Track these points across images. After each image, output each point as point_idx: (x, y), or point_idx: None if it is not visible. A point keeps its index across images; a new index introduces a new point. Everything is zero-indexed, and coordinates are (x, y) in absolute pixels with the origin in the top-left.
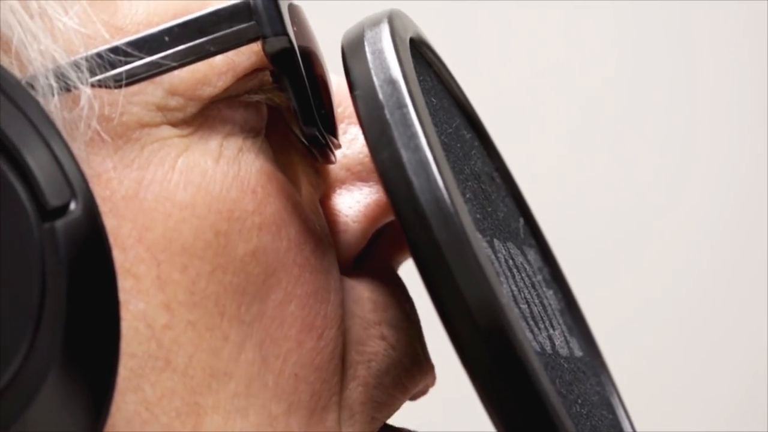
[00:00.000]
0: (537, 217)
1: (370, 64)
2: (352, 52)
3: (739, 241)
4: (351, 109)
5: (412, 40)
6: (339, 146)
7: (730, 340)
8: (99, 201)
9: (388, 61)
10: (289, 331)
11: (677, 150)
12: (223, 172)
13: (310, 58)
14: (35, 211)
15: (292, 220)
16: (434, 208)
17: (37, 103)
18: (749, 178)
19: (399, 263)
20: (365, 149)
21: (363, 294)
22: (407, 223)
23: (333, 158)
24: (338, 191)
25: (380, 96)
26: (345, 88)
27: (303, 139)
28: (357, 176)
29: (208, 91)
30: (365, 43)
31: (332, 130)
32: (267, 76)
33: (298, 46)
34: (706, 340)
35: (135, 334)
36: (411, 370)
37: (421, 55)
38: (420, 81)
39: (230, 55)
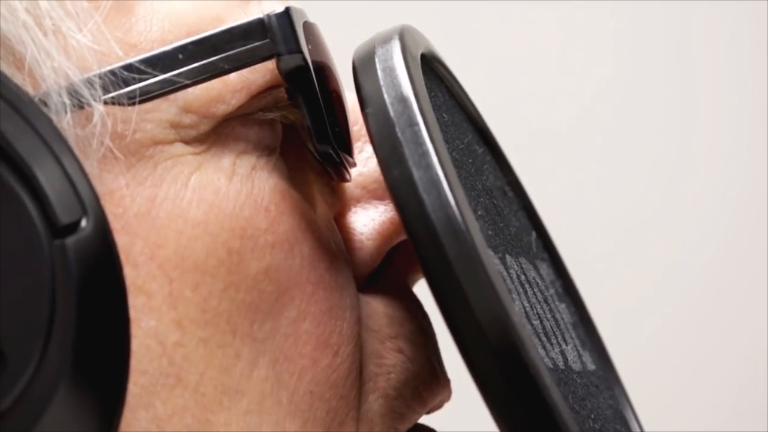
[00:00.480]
0: (548, 229)
1: (381, 82)
2: (363, 69)
3: (749, 253)
4: None
5: (423, 56)
6: (354, 164)
7: (730, 342)
8: (111, 218)
9: (399, 79)
10: (304, 349)
11: (688, 166)
12: (237, 189)
13: (325, 75)
14: (46, 228)
15: (305, 238)
16: (445, 226)
17: (49, 120)
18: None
19: (414, 281)
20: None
21: (378, 309)
22: (419, 240)
23: (348, 176)
24: (354, 209)
25: (391, 114)
26: None
27: (317, 157)
28: (372, 194)
29: (222, 109)
30: (376, 60)
31: (347, 148)
32: (282, 93)
33: (313, 64)
34: (706, 343)
35: (146, 351)
36: (429, 383)
37: (432, 71)
38: (431, 97)
39: (244, 72)
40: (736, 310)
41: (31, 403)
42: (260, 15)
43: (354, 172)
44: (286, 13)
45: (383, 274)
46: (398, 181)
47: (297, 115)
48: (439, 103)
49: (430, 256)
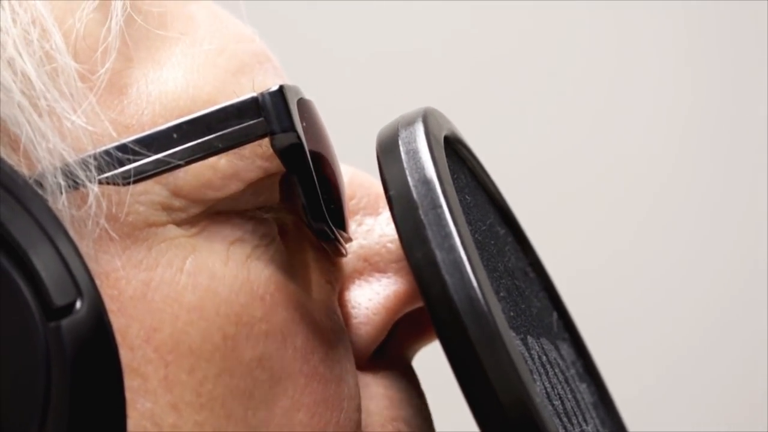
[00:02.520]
0: (569, 309)
1: (405, 164)
2: (387, 152)
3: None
4: (365, 200)
5: (446, 138)
6: (350, 239)
7: (731, 345)
8: (107, 300)
9: (422, 161)
10: None
11: (708, 237)
12: (233, 275)
13: (320, 153)
14: (40, 310)
15: (299, 330)
16: (468, 308)
17: (44, 202)
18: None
19: (414, 351)
20: (382, 240)
21: (379, 391)
22: (441, 322)
23: (344, 251)
24: (357, 282)
25: (414, 196)
26: (358, 179)
27: (313, 234)
28: (374, 267)
29: (211, 195)
30: (400, 143)
31: (342, 225)
32: (275, 193)
33: (308, 142)
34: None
35: None
36: None
37: (455, 153)
38: (454, 179)
39: (234, 159)
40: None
41: None
42: (254, 93)
43: (355, 244)
44: (280, 92)
45: (385, 348)
46: (421, 263)
47: (289, 219)
48: (462, 185)
49: (452, 338)
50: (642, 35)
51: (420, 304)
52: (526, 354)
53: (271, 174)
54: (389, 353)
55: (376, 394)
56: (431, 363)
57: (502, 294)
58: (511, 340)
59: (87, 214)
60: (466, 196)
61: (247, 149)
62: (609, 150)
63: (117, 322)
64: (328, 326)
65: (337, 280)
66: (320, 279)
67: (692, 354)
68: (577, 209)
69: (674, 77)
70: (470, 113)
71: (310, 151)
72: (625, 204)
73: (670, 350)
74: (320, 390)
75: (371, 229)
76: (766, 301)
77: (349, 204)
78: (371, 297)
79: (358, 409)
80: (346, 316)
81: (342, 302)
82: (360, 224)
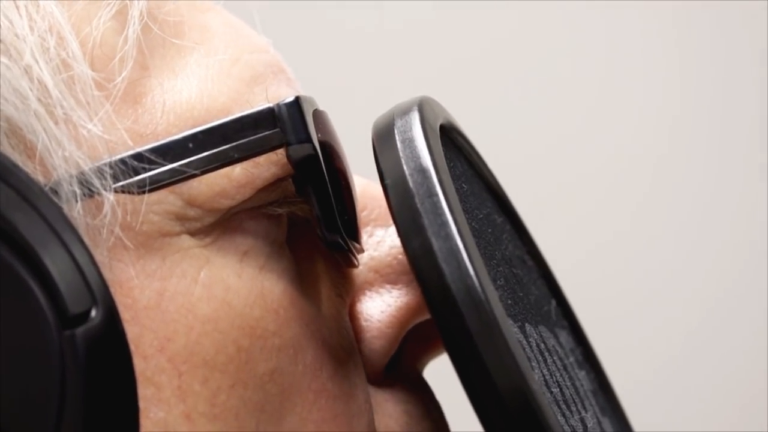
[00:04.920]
0: (568, 296)
1: (401, 153)
2: (383, 141)
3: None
4: (377, 212)
5: (442, 127)
6: (362, 250)
7: (731, 331)
8: (121, 309)
9: (418, 150)
10: None
11: (708, 230)
12: (247, 288)
13: (335, 163)
14: (56, 318)
15: (309, 346)
16: (465, 296)
17: (59, 210)
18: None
19: (425, 363)
20: (393, 252)
21: (397, 408)
22: (438, 311)
23: (356, 262)
24: (368, 294)
25: (411, 185)
26: (370, 191)
27: (326, 245)
28: (385, 279)
29: (226, 203)
30: (395, 132)
31: (355, 236)
32: (290, 187)
33: (322, 153)
34: (729, 414)
35: None
36: None
37: (451, 141)
38: (450, 168)
39: (249, 167)
40: (745, 370)
41: None
42: (270, 104)
43: (365, 256)
44: (296, 102)
45: (398, 360)
46: (418, 252)
47: (305, 210)
48: (459, 174)
49: (450, 327)
50: (635, 21)
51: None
52: (524, 342)
53: (285, 177)
54: (402, 366)
55: (396, 411)
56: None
57: (499, 282)
58: (509, 328)
59: (102, 222)
60: (463, 185)
61: (262, 157)
62: (606, 137)
63: (131, 331)
64: (337, 342)
65: (347, 293)
66: (330, 292)
67: (692, 341)
68: (575, 197)
69: (668, 55)
70: (466, 102)
71: (325, 163)
72: (622, 192)
73: (670, 337)
74: (328, 407)
75: (382, 240)
76: (765, 285)
77: (361, 215)
78: (383, 309)
79: (370, 425)
80: (358, 330)
81: (353, 315)
82: (371, 236)
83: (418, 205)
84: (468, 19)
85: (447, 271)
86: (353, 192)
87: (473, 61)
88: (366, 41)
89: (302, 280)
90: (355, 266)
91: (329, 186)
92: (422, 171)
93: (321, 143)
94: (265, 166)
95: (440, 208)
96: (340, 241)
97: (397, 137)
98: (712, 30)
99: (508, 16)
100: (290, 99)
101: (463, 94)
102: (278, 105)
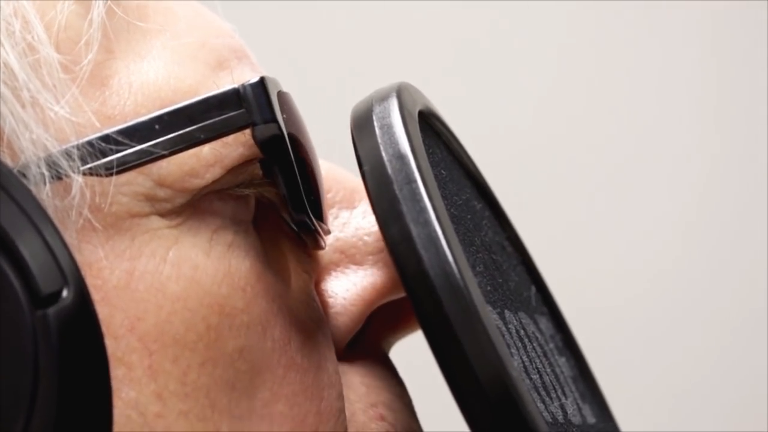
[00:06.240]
0: (548, 283)
1: (379, 139)
2: (361, 128)
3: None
4: (342, 194)
5: (421, 113)
6: (328, 232)
7: (731, 349)
8: (91, 289)
9: (396, 136)
10: (279, 430)
11: (696, 216)
12: (215, 267)
13: (299, 145)
14: (28, 299)
15: (277, 322)
16: (444, 283)
17: (29, 192)
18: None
19: (391, 343)
20: (358, 233)
21: (356, 379)
22: (417, 297)
23: (323, 243)
24: (333, 274)
25: (389, 171)
26: (334, 173)
27: (293, 226)
28: (351, 259)
29: (196, 183)
30: (374, 118)
31: (321, 216)
32: (257, 169)
33: (288, 133)
34: (711, 399)
35: (127, 421)
36: None
37: (430, 127)
38: (429, 154)
39: (217, 147)
40: (740, 360)
41: None
42: (234, 85)
43: (331, 237)
44: (261, 83)
45: (361, 337)
46: (396, 238)
47: (272, 192)
48: (438, 160)
49: (428, 313)
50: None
51: (397, 296)
52: (504, 328)
53: (253, 159)
54: (365, 343)
55: (354, 382)
56: (408, 346)
57: (478, 268)
58: (488, 314)
59: (70, 204)
60: (442, 171)
61: (231, 137)
62: (586, 124)
63: (101, 311)
64: (305, 315)
65: (313, 270)
66: (297, 269)
67: (695, 404)
68: (555, 182)
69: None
70: (445, 87)
71: (291, 143)
72: (603, 178)
73: (653, 322)
74: (298, 380)
75: (347, 222)
76: (765, 277)
77: (326, 197)
78: (348, 288)
79: (340, 397)
80: (322, 306)
81: (318, 292)
82: (336, 217)
83: (397, 192)
84: (449, 4)
85: (426, 258)
86: (319, 173)
87: (450, 46)
88: (340, 26)
89: (269, 257)
90: (322, 248)
91: (295, 166)
92: (401, 157)
93: (286, 123)
94: (234, 146)
95: (419, 194)
96: (307, 221)
97: (375, 123)
98: (712, 29)
99: None
100: (255, 80)
101: (440, 79)
102: (243, 86)
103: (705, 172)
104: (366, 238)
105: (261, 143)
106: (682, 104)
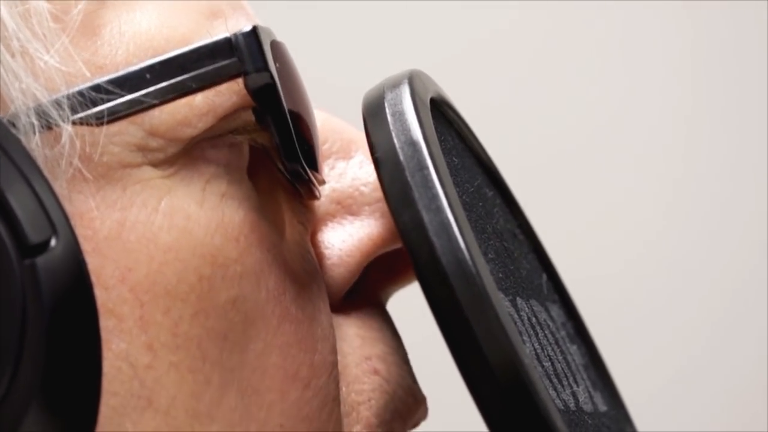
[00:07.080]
0: (559, 271)
1: (391, 127)
2: (373, 115)
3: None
4: (338, 144)
5: (432, 100)
6: (323, 182)
7: (731, 348)
8: (81, 240)
9: (408, 123)
10: (272, 382)
11: (705, 206)
12: (207, 217)
13: (293, 94)
14: (16, 248)
15: (271, 271)
16: (456, 270)
17: (18, 141)
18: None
19: (387, 295)
20: (355, 183)
21: (351, 331)
22: (429, 284)
23: (317, 194)
24: (330, 225)
25: (401, 158)
26: (331, 123)
27: (287, 176)
28: (347, 210)
29: (189, 132)
30: (386, 105)
31: (315, 166)
32: (250, 116)
33: (281, 83)
34: (719, 389)
35: (117, 373)
36: (406, 401)
37: (442, 115)
38: (441, 141)
39: (210, 96)
40: (750, 357)
41: (2, 423)
42: (227, 34)
43: (327, 187)
44: (254, 32)
45: (357, 288)
46: (408, 225)
47: (265, 138)
48: (449, 147)
49: (441, 300)
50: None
51: (394, 246)
52: (515, 315)
53: (246, 107)
54: (362, 294)
55: (349, 335)
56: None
57: (490, 255)
58: (500, 301)
59: (60, 153)
60: (453, 158)
61: (224, 86)
62: (600, 111)
63: (92, 262)
64: (300, 267)
65: (309, 221)
66: (292, 219)
67: (705, 397)
68: (566, 170)
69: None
70: (458, 76)
71: (284, 92)
72: (615, 167)
73: (662, 312)
74: (292, 331)
75: (344, 172)
76: (765, 272)
77: (322, 148)
78: (344, 239)
79: (333, 351)
80: (318, 257)
81: (314, 244)
82: (332, 168)
83: (409, 179)
84: None
85: (438, 244)
86: (313, 123)
87: (462, 37)
88: (356, 11)
89: (263, 207)
90: (316, 198)
91: (288, 115)
92: (413, 144)
93: (279, 73)
94: (227, 95)
95: (431, 181)
96: (301, 170)
97: (387, 110)
98: (712, 29)
99: None
100: (247, 29)
101: (452, 69)
102: (235, 35)
103: (722, 161)
104: (363, 188)
105: (253, 92)
106: (701, 98)
